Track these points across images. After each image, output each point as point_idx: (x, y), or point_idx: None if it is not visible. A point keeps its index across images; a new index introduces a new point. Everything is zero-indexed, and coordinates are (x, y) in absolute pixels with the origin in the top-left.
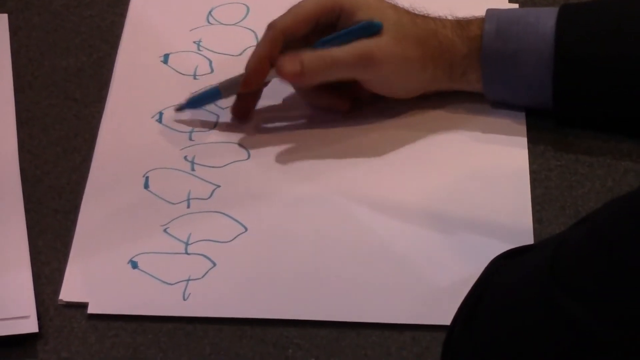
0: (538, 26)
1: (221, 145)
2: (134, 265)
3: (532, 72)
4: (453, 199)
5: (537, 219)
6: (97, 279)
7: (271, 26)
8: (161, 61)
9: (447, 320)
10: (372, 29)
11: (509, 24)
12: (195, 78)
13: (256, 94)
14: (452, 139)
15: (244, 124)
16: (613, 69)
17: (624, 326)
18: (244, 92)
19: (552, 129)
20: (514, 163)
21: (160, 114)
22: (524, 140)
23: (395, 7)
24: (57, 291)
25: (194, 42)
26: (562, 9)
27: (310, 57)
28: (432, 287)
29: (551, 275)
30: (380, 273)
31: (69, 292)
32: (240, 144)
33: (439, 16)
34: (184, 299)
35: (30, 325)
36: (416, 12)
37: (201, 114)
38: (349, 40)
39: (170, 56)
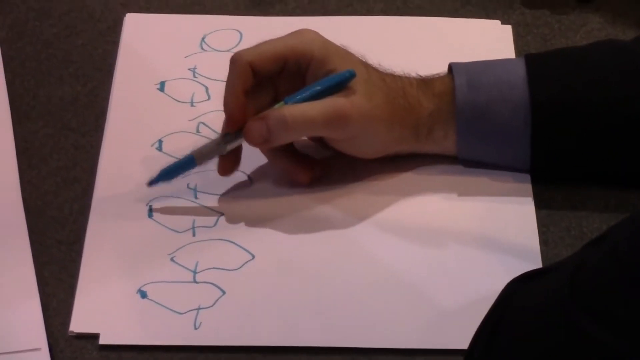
0: (509, 75)
1: None
2: (143, 295)
3: (508, 122)
4: (460, 224)
5: (543, 241)
6: (106, 310)
7: (235, 59)
8: (157, 89)
9: (458, 344)
10: (348, 78)
11: (479, 75)
12: (192, 105)
13: (238, 150)
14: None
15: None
16: (590, 113)
17: None
18: (231, 132)
19: None
20: (518, 185)
21: (160, 141)
22: None
23: (365, 63)
24: (65, 322)
25: (189, 69)
26: (528, 58)
27: (275, 122)
28: (442, 311)
29: (572, 299)
30: (389, 298)
31: (79, 323)
32: (242, 171)
33: (405, 73)
34: (195, 328)
35: (42, 358)
36: (382, 69)
37: (201, 141)
38: (323, 92)
39: (167, 83)
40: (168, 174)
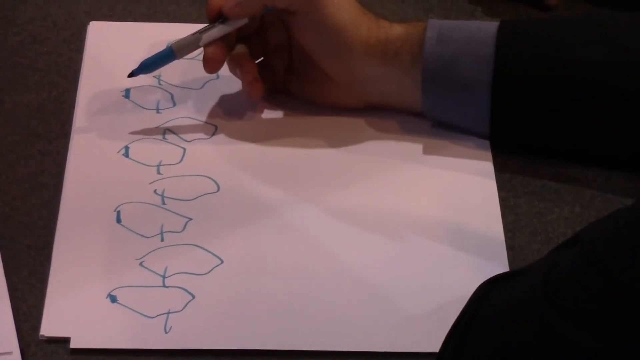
0: (480, 33)
1: (190, 178)
2: (113, 299)
3: (472, 77)
4: (426, 229)
5: (510, 246)
6: (77, 314)
7: None
8: (123, 96)
9: (430, 347)
10: None
11: (451, 31)
12: (158, 112)
13: (221, 45)
14: (419, 170)
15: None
16: (553, 77)
17: (623, 346)
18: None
19: (517, 157)
20: (483, 191)
21: (127, 148)
22: (490, 168)
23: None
24: (36, 327)
25: (154, 76)
26: (503, 22)
27: None
28: (412, 314)
29: (546, 298)
30: (360, 301)
31: (50, 327)
32: (210, 177)
33: None
34: (166, 332)
35: None
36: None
37: (168, 147)
38: None
39: (132, 91)
40: (148, 66)
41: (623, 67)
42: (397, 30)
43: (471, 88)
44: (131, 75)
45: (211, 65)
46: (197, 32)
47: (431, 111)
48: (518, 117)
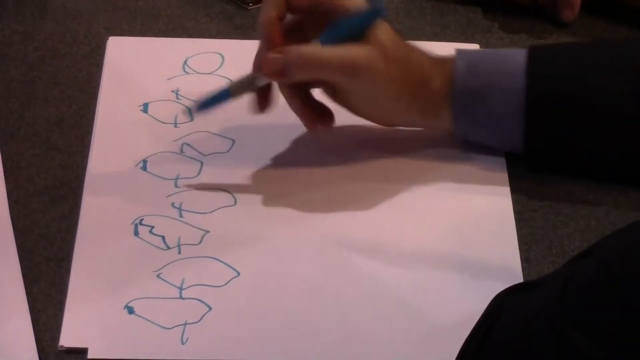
0: (508, 64)
1: (207, 192)
2: (130, 310)
3: (503, 110)
4: (443, 243)
5: (525, 258)
6: (95, 325)
7: None
8: (141, 110)
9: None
10: (375, 15)
11: (480, 62)
12: (176, 126)
13: (270, 86)
14: (435, 183)
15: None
16: (584, 108)
17: None
18: (270, 55)
19: (532, 170)
20: (498, 205)
21: (145, 161)
22: (506, 181)
23: (389, 24)
24: (55, 337)
25: (172, 91)
26: (531, 49)
27: (293, 56)
28: (428, 327)
29: (561, 313)
30: (376, 314)
31: (68, 338)
32: (227, 190)
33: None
34: (183, 343)
35: None
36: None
37: (185, 160)
38: (351, 30)
39: (150, 105)
40: (205, 105)
41: None
42: (438, 88)
43: (502, 121)
44: (188, 114)
45: (264, 110)
46: (252, 72)
47: (463, 136)
48: (552, 142)
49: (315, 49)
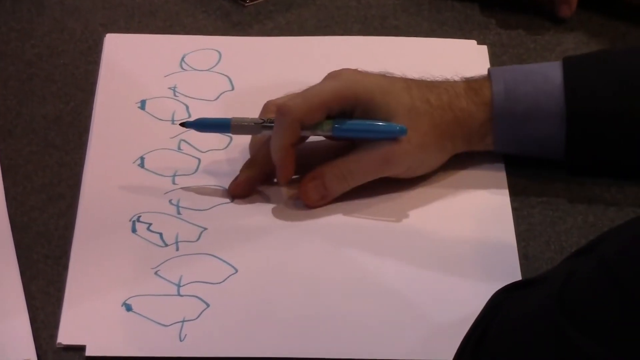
0: (546, 84)
1: (205, 189)
2: (128, 307)
3: (544, 134)
4: (440, 238)
5: (523, 255)
6: (93, 322)
7: (285, 112)
8: (138, 107)
9: (443, 356)
10: (397, 133)
11: (516, 84)
12: (173, 123)
13: (262, 176)
14: (433, 181)
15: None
16: (624, 121)
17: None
18: (282, 185)
19: (529, 166)
20: (496, 202)
21: (142, 158)
22: (503, 178)
23: (407, 87)
24: (53, 335)
25: (169, 87)
26: (566, 62)
27: (331, 177)
28: (427, 324)
29: (561, 311)
30: (374, 310)
31: (66, 335)
32: (224, 187)
33: (450, 80)
34: (181, 340)
35: None
36: (426, 82)
37: (183, 157)
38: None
39: (147, 102)
40: (202, 124)
41: None
42: (479, 119)
43: (544, 140)
44: (183, 124)
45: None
46: (259, 119)
47: (503, 153)
48: (595, 156)
49: (348, 162)
